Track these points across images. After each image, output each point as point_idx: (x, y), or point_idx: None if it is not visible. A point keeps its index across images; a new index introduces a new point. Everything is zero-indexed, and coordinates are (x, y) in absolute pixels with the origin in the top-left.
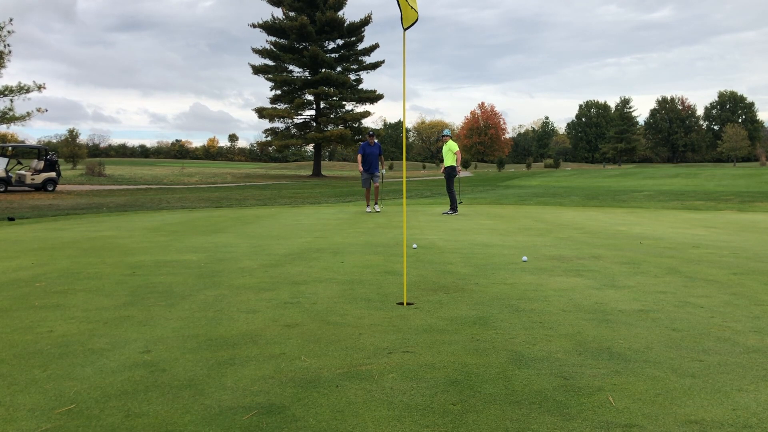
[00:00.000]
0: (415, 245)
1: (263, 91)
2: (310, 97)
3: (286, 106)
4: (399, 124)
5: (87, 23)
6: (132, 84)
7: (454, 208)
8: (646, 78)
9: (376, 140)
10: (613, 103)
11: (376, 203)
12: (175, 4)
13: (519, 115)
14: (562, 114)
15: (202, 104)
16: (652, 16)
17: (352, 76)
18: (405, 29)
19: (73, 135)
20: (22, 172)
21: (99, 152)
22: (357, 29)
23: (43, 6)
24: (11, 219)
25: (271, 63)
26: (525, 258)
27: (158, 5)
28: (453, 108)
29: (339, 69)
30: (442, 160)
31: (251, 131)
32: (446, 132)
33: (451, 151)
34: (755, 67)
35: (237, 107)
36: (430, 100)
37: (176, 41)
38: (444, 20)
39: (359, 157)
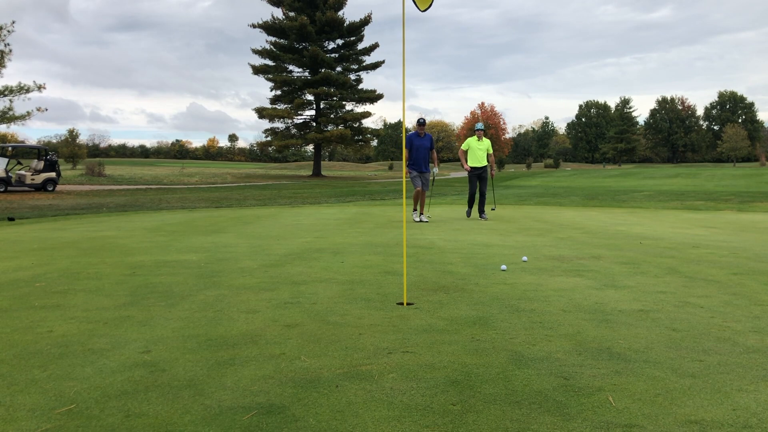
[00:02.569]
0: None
1: (261, 91)
2: (310, 97)
3: (286, 106)
4: (399, 125)
5: (85, 23)
6: (128, 84)
7: (471, 206)
8: (645, 78)
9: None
10: (613, 103)
11: (421, 213)
12: (174, 4)
13: (518, 115)
14: (561, 114)
15: (199, 104)
16: (652, 16)
17: (352, 76)
18: (423, 11)
19: (73, 135)
20: (22, 172)
21: (99, 152)
22: (357, 29)
23: (39, 6)
24: (11, 219)
25: (271, 63)
26: (525, 258)
27: (157, 5)
28: (451, 108)
29: (339, 69)
30: (443, 160)
31: (249, 131)
32: (480, 126)
33: (488, 151)
34: (755, 67)
35: (234, 107)
36: (429, 100)
37: (174, 41)
38: (443, 20)
39: (405, 152)
